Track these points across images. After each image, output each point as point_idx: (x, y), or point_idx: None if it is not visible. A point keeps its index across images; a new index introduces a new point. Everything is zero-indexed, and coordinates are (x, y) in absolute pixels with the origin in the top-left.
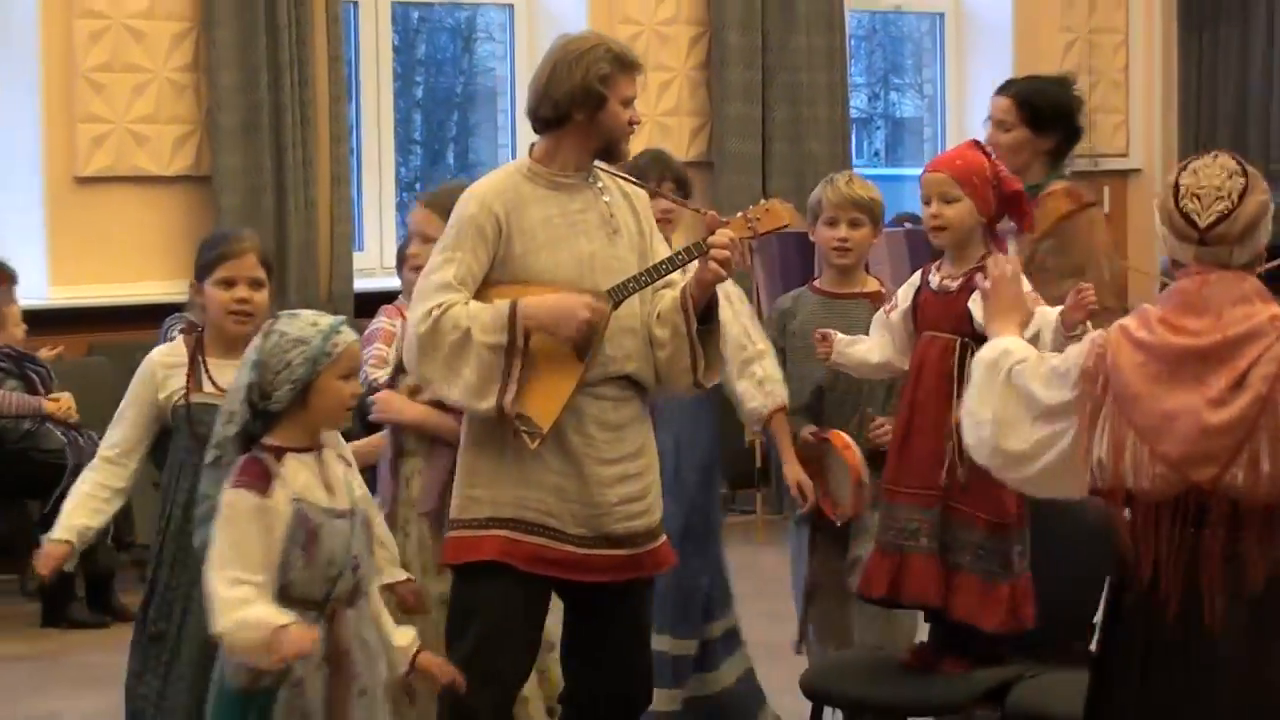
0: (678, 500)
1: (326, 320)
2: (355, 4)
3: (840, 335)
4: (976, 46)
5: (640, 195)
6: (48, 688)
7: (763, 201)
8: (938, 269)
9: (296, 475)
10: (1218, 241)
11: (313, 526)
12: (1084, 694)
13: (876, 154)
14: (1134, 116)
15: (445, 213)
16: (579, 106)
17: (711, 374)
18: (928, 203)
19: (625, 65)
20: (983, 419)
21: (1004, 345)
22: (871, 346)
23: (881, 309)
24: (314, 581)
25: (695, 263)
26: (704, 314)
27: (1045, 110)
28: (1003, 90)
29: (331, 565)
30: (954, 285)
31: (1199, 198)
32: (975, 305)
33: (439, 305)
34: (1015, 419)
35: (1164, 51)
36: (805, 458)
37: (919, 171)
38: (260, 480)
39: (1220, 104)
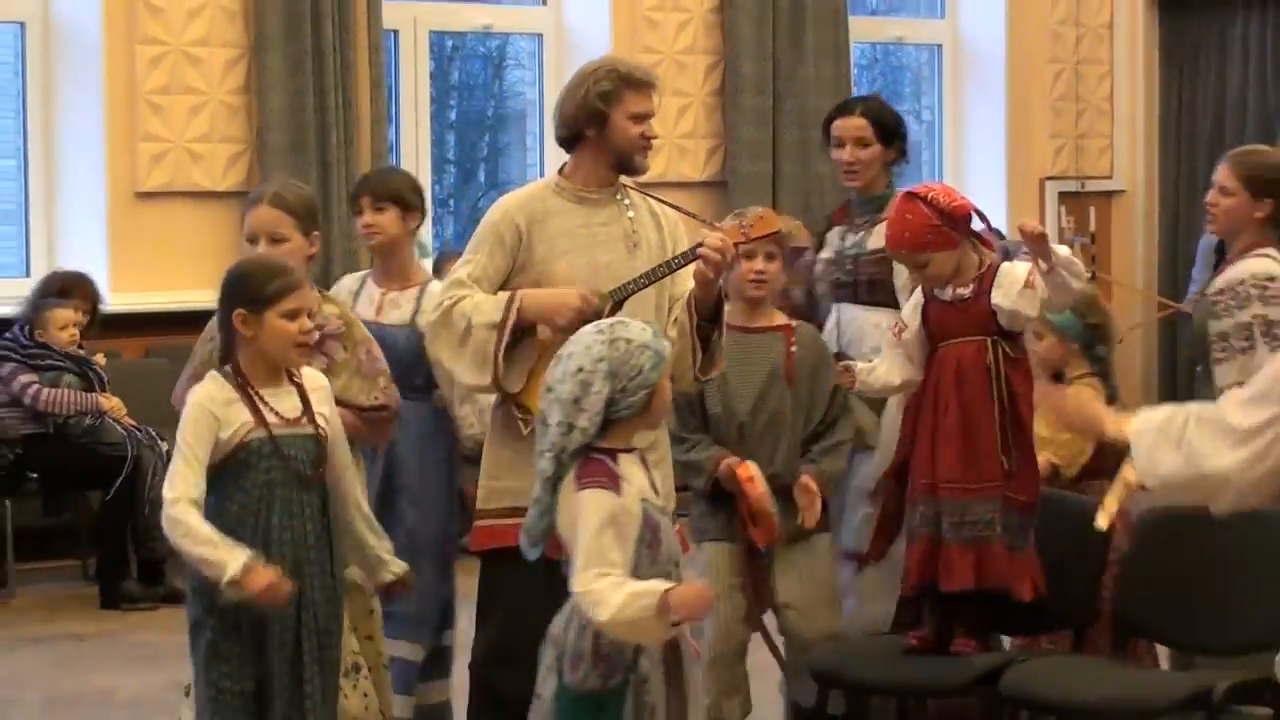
0: (422, 509)
1: (649, 325)
2: (395, 33)
3: (860, 364)
4: (971, 76)
5: (669, 214)
6: (106, 665)
7: (756, 210)
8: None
9: (634, 475)
10: None
11: (654, 524)
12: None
13: None
14: (1118, 142)
15: (291, 210)
16: (586, 123)
17: (710, 369)
18: (909, 272)
19: (632, 82)
20: (1168, 470)
21: (1160, 414)
22: (890, 369)
23: (889, 332)
24: (656, 580)
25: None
26: (714, 314)
27: (891, 126)
28: (851, 111)
29: (668, 562)
30: (968, 293)
31: None
32: (1001, 295)
33: (450, 298)
34: (1209, 452)
35: (1146, 81)
36: (727, 489)
37: None
38: (612, 481)
39: (1198, 130)
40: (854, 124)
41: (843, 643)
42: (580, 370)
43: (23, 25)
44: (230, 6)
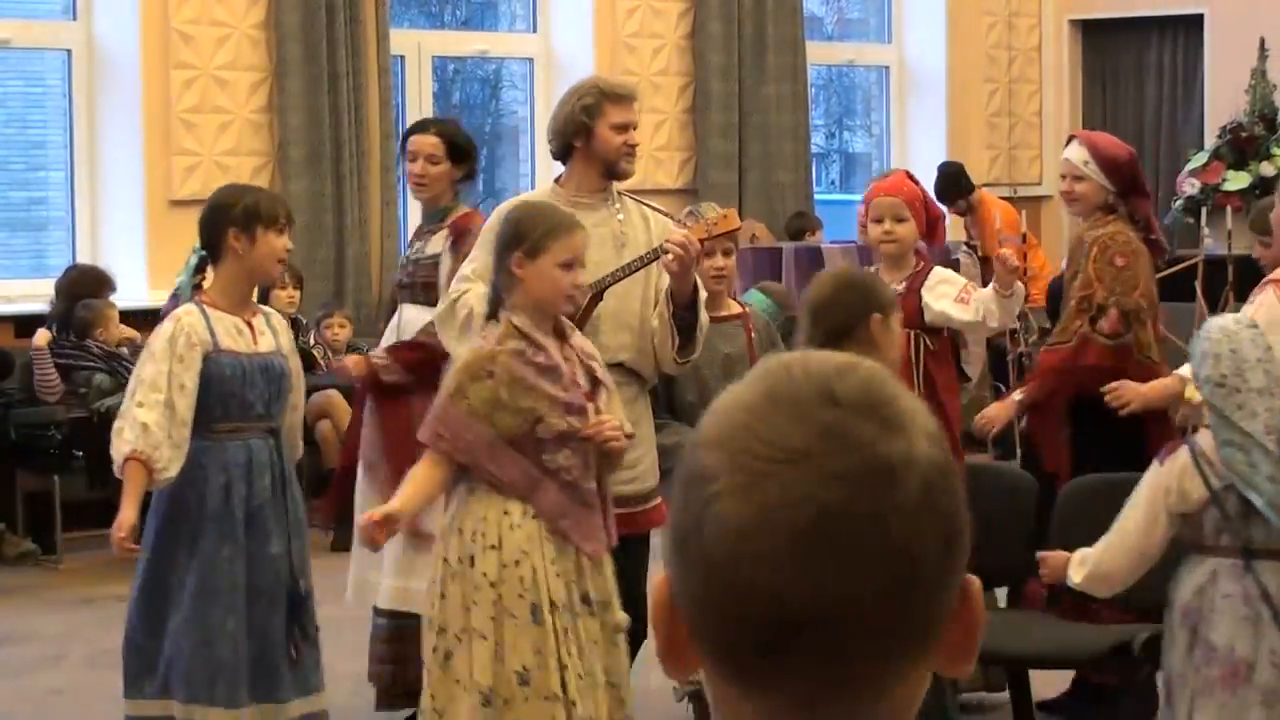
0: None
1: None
2: (402, 58)
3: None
4: (916, 94)
5: (659, 219)
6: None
7: (719, 209)
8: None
9: None
10: None
11: None
12: None
13: (833, 183)
14: (1046, 152)
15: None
16: (574, 136)
17: (688, 352)
18: (879, 220)
19: (612, 96)
20: None
21: None
22: None
23: None
24: None
25: None
26: (691, 303)
27: (462, 147)
28: (427, 129)
29: None
30: (900, 288)
31: None
32: (931, 296)
33: (456, 291)
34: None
35: (1071, 99)
36: None
37: None
38: None
39: None
40: (428, 141)
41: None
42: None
43: (69, 53)
44: (254, 35)
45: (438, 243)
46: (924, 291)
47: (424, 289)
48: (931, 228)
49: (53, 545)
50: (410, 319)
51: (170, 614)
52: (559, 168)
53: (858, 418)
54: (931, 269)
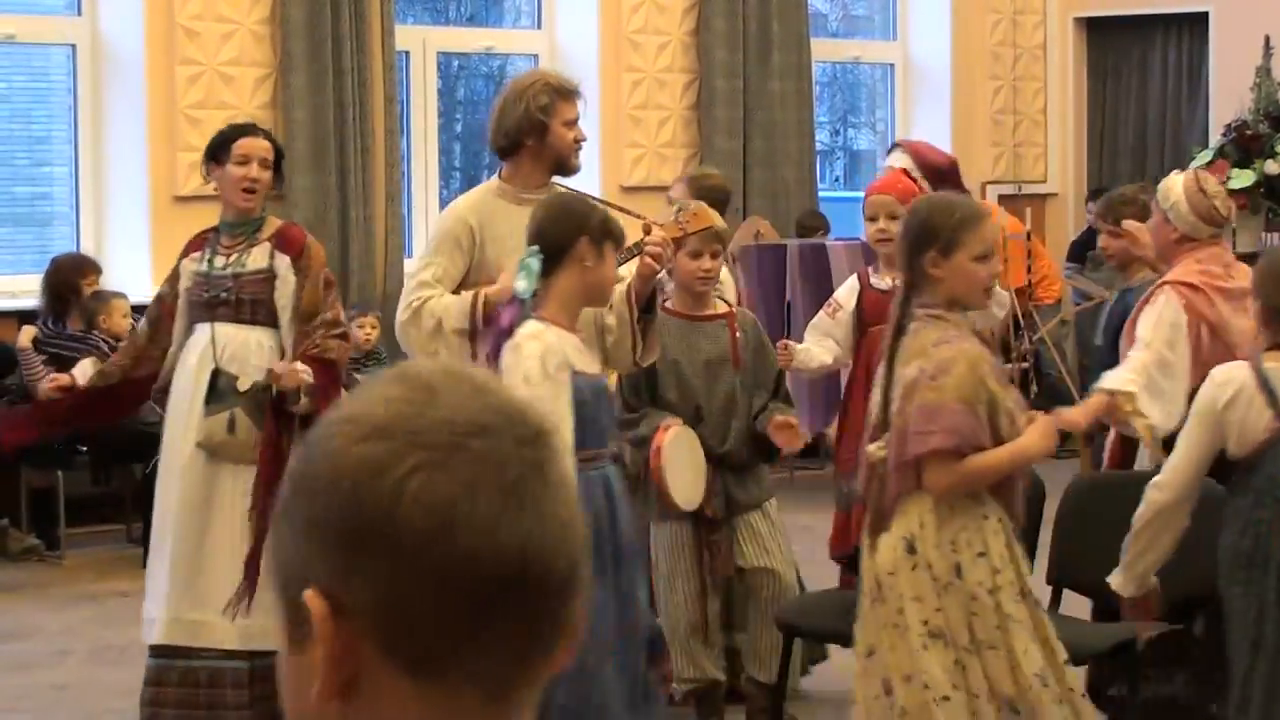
0: None
1: None
2: (407, 54)
3: (796, 345)
4: (921, 91)
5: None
6: None
7: (690, 205)
8: (874, 273)
9: None
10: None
11: None
12: None
13: (837, 180)
14: (1051, 150)
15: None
16: (527, 134)
17: (648, 355)
18: (874, 219)
19: (563, 93)
20: None
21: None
22: (824, 350)
23: (822, 312)
24: None
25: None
26: (648, 305)
27: (281, 155)
28: (257, 134)
29: None
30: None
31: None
32: None
33: (419, 299)
34: None
35: (1075, 97)
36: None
37: None
38: None
39: (1121, 139)
40: (262, 145)
41: (803, 598)
42: None
43: (74, 48)
44: (259, 30)
45: (260, 257)
46: None
47: (252, 306)
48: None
49: (56, 541)
50: (238, 339)
51: None
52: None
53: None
54: None
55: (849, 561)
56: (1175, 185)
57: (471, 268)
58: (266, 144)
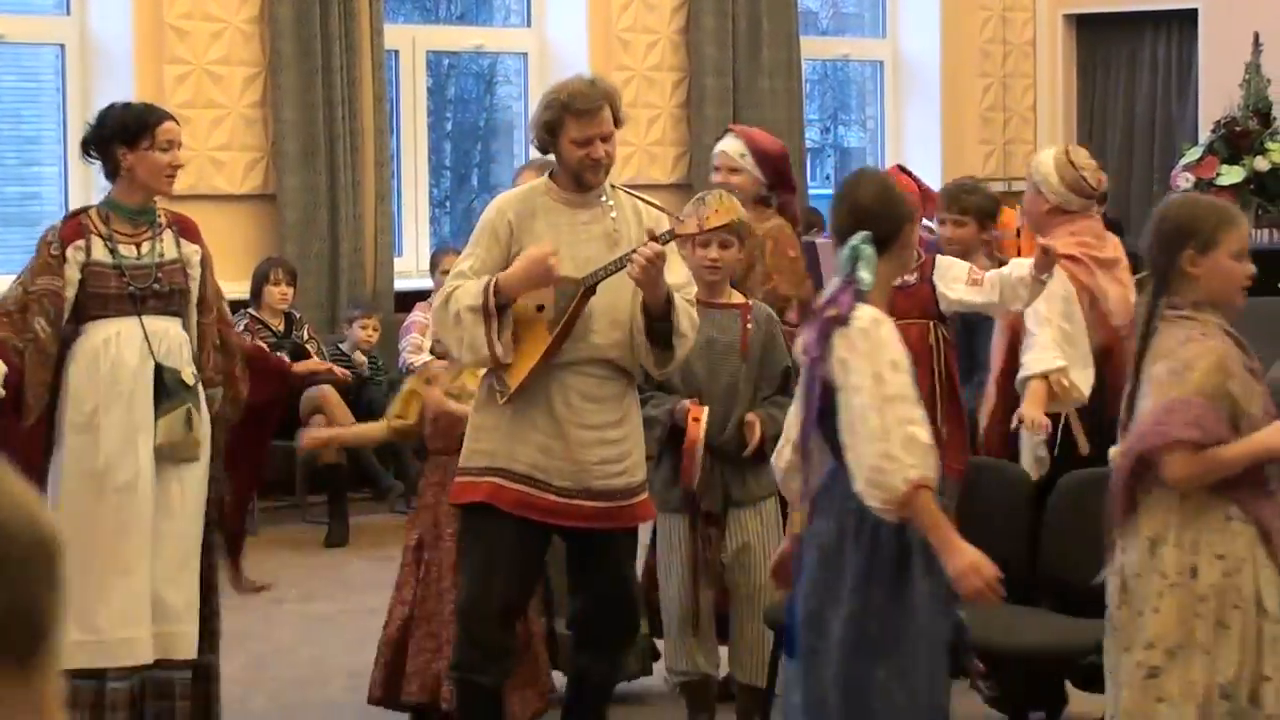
0: None
1: None
2: (396, 52)
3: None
4: (910, 89)
5: (651, 213)
6: None
7: (714, 199)
8: None
9: None
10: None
11: None
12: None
13: (827, 177)
14: (1041, 147)
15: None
16: (545, 144)
17: (667, 360)
18: None
19: (574, 110)
20: None
21: None
22: None
23: None
24: None
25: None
26: (665, 313)
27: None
28: (172, 118)
29: None
30: (912, 279)
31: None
32: (944, 284)
33: (451, 287)
34: None
35: (1065, 94)
36: (680, 425)
37: None
38: None
39: (1110, 136)
40: (178, 129)
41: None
42: None
43: (63, 47)
44: (248, 29)
45: (170, 245)
46: (936, 280)
47: (175, 297)
48: (927, 207)
49: None
50: (169, 333)
51: None
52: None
53: None
54: (935, 257)
55: None
56: (1046, 159)
57: (510, 262)
58: (178, 128)
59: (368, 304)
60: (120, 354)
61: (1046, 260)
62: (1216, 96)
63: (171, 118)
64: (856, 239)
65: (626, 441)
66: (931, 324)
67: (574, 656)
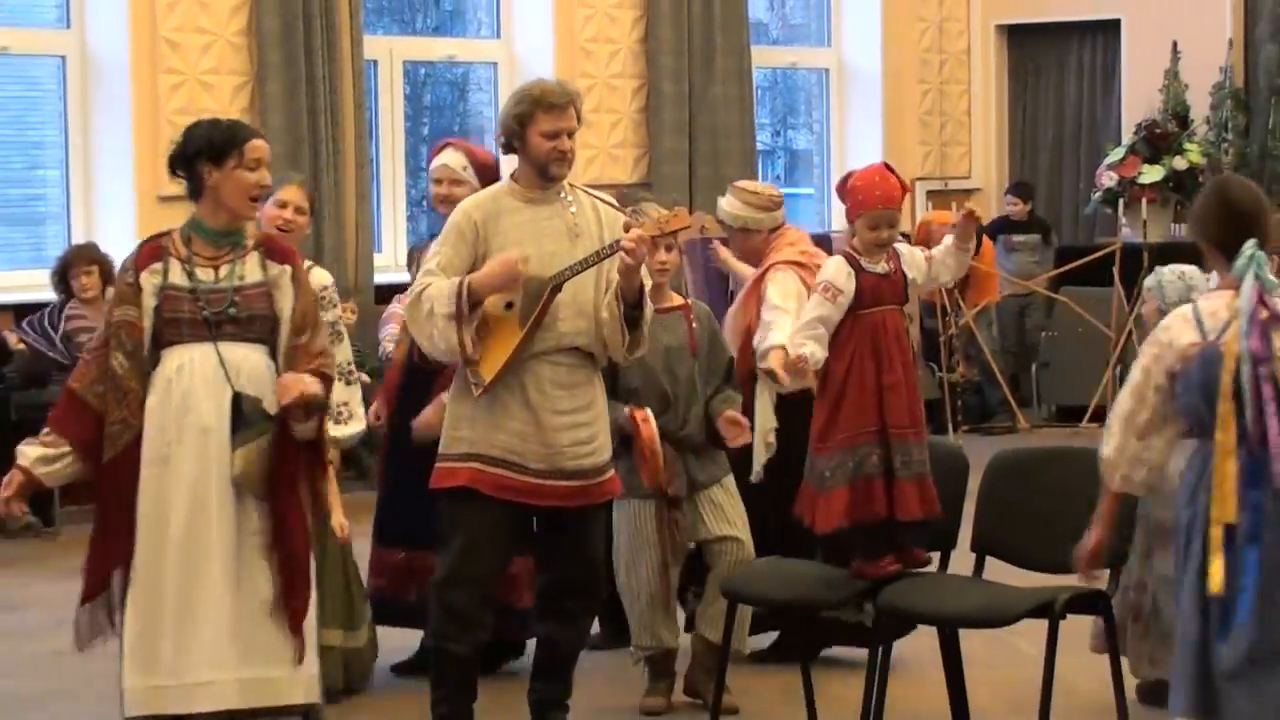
0: None
1: None
2: (375, 63)
3: (805, 351)
4: (854, 95)
5: (608, 211)
6: None
7: (661, 209)
8: (859, 256)
9: None
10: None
11: None
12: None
13: (778, 177)
14: (975, 148)
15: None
16: (512, 138)
17: (635, 349)
18: (876, 229)
19: (545, 105)
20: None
21: None
22: (819, 343)
23: (820, 298)
24: None
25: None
26: (637, 301)
27: None
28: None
29: None
30: (891, 269)
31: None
32: (913, 270)
33: (421, 285)
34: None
35: (997, 99)
36: (628, 432)
37: (811, 191)
38: None
39: (1040, 138)
40: (268, 149)
41: (752, 566)
42: None
43: (63, 59)
44: (237, 41)
45: (254, 268)
46: (906, 269)
47: (255, 323)
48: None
49: (51, 518)
50: (249, 360)
51: None
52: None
53: None
54: (897, 247)
55: (829, 539)
56: (725, 202)
57: (478, 259)
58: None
59: (349, 294)
60: (193, 383)
61: (968, 226)
62: (1138, 101)
63: (260, 135)
64: (1250, 247)
65: (595, 424)
66: (901, 308)
67: (541, 624)
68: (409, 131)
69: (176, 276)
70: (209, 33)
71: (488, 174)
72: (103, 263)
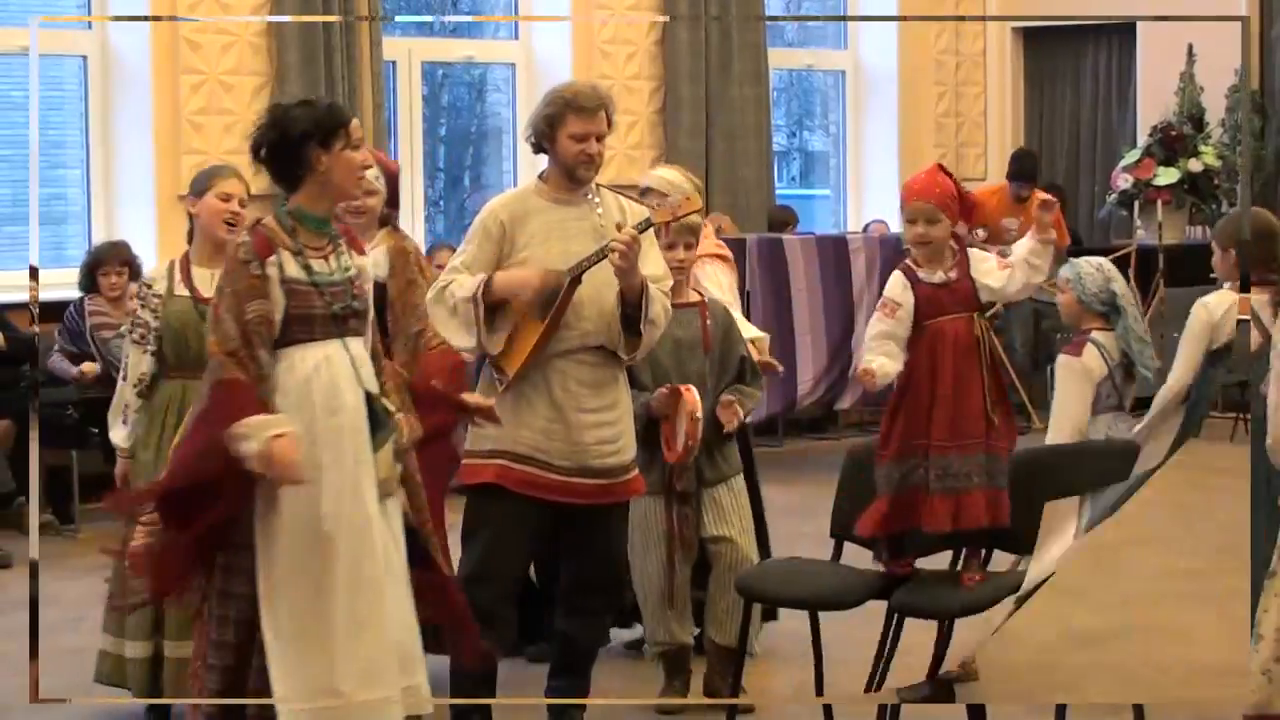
0: None
1: None
2: (394, 63)
3: (873, 364)
4: (870, 96)
5: (634, 208)
6: None
7: (685, 196)
8: (917, 268)
9: None
10: None
11: None
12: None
13: (793, 179)
14: (990, 149)
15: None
16: (542, 138)
17: (635, 349)
18: (914, 222)
19: (576, 107)
20: None
21: None
22: (890, 357)
23: (879, 315)
24: None
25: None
26: (638, 303)
27: None
28: None
29: None
30: (954, 276)
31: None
32: (984, 276)
33: (445, 281)
34: None
35: (1013, 101)
36: (661, 414)
37: (827, 192)
38: None
39: (1056, 140)
40: None
41: (760, 566)
42: None
43: (85, 59)
44: (256, 42)
45: (350, 259)
46: (975, 275)
47: (367, 316)
48: (967, 214)
49: (71, 516)
50: (364, 356)
51: None
52: (542, 163)
53: None
54: (967, 252)
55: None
56: (663, 175)
57: (502, 258)
58: None
59: None
60: (335, 382)
61: (1044, 216)
62: (1153, 103)
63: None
64: None
65: (620, 423)
66: (974, 316)
67: (561, 622)
68: (427, 132)
69: (293, 269)
70: (229, 33)
71: (393, 183)
72: (132, 263)
